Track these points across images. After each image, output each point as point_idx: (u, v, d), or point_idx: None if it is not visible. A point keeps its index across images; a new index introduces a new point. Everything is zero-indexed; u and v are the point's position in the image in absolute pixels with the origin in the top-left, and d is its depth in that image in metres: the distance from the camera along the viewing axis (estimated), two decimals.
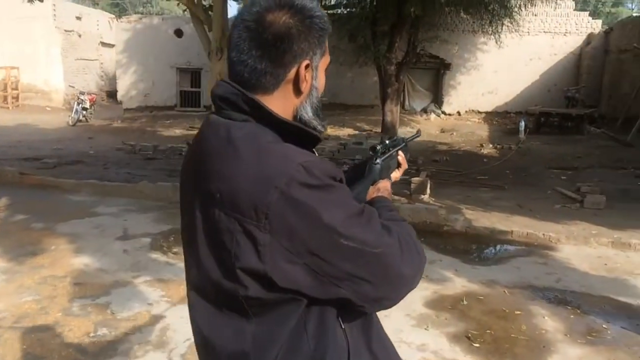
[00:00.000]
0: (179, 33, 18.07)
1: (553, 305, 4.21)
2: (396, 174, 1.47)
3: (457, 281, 4.63)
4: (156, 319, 3.74)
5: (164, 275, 4.54)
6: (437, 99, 17.79)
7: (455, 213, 6.35)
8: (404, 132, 14.52)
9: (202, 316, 1.10)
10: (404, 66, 14.11)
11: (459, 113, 17.66)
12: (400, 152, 1.46)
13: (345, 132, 14.68)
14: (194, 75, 18.49)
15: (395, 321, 3.71)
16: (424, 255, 1.12)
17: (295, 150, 1.01)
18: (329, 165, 1.01)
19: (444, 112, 17.55)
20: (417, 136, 1.75)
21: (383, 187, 1.36)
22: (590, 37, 17.37)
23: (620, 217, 6.65)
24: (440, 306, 4.10)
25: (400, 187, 7.64)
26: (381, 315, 4.06)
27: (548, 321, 3.91)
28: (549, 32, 17.21)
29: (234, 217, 0.97)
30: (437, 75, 17.81)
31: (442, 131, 15.42)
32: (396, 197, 7.19)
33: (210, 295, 1.07)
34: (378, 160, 1.37)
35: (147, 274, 4.55)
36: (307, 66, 1.07)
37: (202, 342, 1.12)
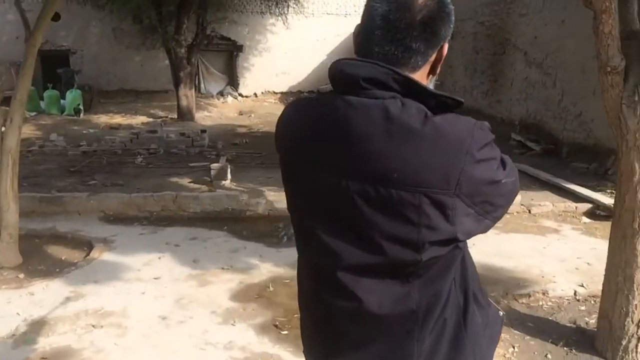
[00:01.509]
0: None
1: None
2: None
3: (263, 267, 4.55)
4: None
5: None
6: (233, 82, 17.64)
7: (257, 197, 6.27)
8: (201, 116, 14.10)
9: (363, 289, 1.12)
10: (195, 48, 13.60)
11: (255, 95, 17.76)
12: None
13: (138, 120, 13.70)
14: None
15: (200, 322, 3.48)
16: None
17: (461, 117, 1.08)
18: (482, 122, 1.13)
19: (240, 95, 17.48)
20: None
21: None
22: None
23: None
24: (247, 297, 3.96)
25: (200, 174, 7.34)
26: (185, 317, 3.67)
27: None
28: (332, 13, 18.10)
29: (418, 192, 1.02)
30: (230, 58, 17.61)
31: (241, 113, 15.36)
32: (196, 186, 6.89)
33: (374, 268, 1.10)
34: None
35: None
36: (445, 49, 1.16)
37: (356, 312, 1.14)
